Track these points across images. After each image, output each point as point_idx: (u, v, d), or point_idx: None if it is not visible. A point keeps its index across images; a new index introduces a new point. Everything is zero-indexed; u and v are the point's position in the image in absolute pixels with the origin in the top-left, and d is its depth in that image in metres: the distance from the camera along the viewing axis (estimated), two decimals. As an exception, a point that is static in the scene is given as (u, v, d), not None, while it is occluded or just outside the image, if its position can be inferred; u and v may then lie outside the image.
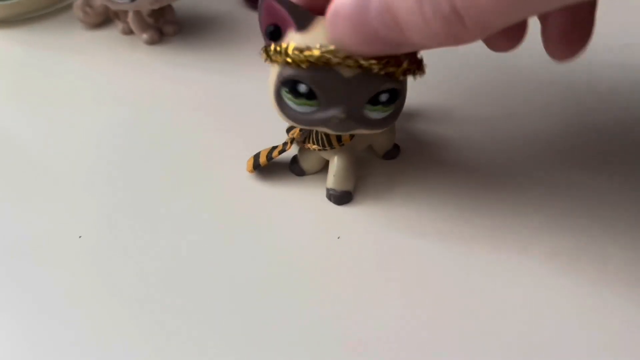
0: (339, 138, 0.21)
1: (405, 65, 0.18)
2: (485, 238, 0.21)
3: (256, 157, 0.22)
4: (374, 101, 0.19)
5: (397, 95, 0.19)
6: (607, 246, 0.20)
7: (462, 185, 0.23)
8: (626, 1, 0.34)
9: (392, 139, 0.23)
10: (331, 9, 0.16)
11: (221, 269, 0.20)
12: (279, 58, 0.18)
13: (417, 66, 0.19)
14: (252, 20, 0.33)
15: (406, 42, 0.15)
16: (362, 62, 0.17)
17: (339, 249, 0.20)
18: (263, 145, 0.23)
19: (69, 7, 0.33)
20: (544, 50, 0.29)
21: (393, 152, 0.24)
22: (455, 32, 0.14)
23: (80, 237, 0.21)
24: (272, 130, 0.25)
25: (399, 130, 0.24)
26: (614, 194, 0.22)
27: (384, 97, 0.19)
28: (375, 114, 0.19)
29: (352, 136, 0.21)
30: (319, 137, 0.21)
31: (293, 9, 0.18)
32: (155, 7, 0.29)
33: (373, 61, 0.17)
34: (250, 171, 0.22)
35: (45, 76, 0.29)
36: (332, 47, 0.17)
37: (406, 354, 0.17)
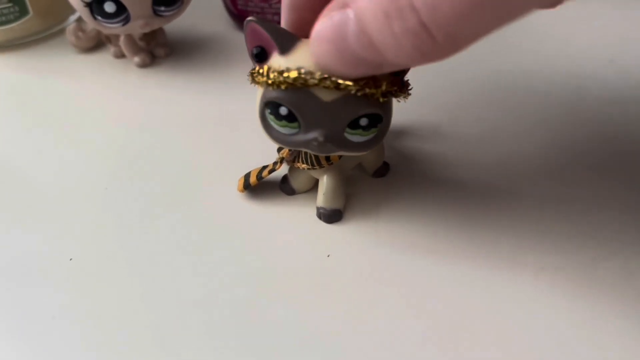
0: (327, 157, 0.21)
1: (384, 87, 0.18)
2: (475, 254, 0.21)
3: (246, 176, 0.23)
4: (353, 125, 0.19)
5: (378, 119, 0.19)
6: (598, 259, 0.20)
7: (452, 202, 0.23)
8: (611, 17, 0.35)
9: (381, 157, 0.23)
10: (313, 33, 0.17)
11: (212, 289, 0.20)
12: (261, 79, 0.19)
13: (398, 89, 0.19)
14: (242, 41, 0.33)
15: (385, 62, 0.16)
16: (340, 82, 0.17)
17: (329, 268, 0.20)
18: (254, 165, 0.23)
19: (61, 32, 0.34)
20: (531, 65, 0.29)
21: (382, 170, 0.24)
22: (426, 48, 0.14)
23: (71, 259, 0.21)
24: (263, 149, 0.25)
25: (388, 147, 0.24)
26: (604, 208, 0.22)
27: (363, 122, 0.19)
28: (355, 137, 0.19)
29: (340, 155, 0.22)
30: (308, 157, 0.21)
31: (276, 33, 0.18)
32: (147, 30, 0.29)
33: (349, 82, 0.17)
34: (241, 191, 0.23)
35: (38, 100, 0.29)
36: (310, 69, 0.18)
37: (397, 371, 0.17)
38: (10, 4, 0.31)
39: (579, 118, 0.27)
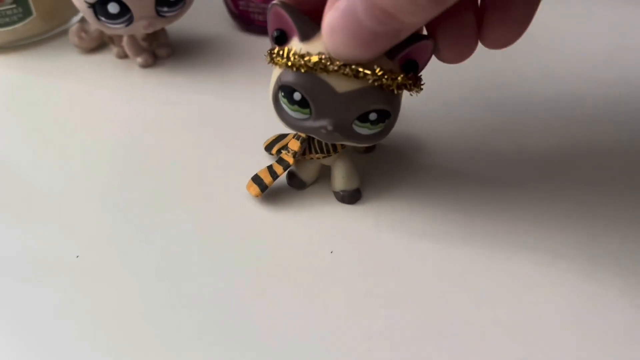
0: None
1: (400, 79, 0.19)
2: (479, 243, 0.21)
3: (257, 179, 0.23)
4: (362, 118, 0.19)
5: (387, 115, 0.19)
6: (599, 250, 0.21)
7: (453, 193, 0.23)
8: (607, 16, 0.35)
9: None
10: (325, 27, 0.17)
11: (214, 286, 0.20)
12: (280, 60, 0.19)
13: (413, 82, 0.19)
14: (244, 41, 0.33)
15: (403, 26, 0.16)
16: (360, 69, 0.18)
17: (333, 263, 0.21)
18: (257, 163, 0.24)
19: (64, 33, 0.34)
20: (528, 63, 0.30)
21: (371, 146, 0.25)
22: None
23: (77, 256, 0.21)
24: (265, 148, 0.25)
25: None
26: (602, 201, 0.23)
27: (372, 116, 0.19)
28: (363, 130, 0.20)
29: None
30: (323, 146, 0.22)
31: (298, 20, 0.18)
32: (149, 31, 0.30)
33: (368, 71, 0.18)
34: (258, 195, 0.23)
35: (42, 100, 0.29)
36: (330, 56, 0.18)
37: (400, 365, 0.18)
38: (13, 5, 0.31)
39: (575, 115, 0.27)
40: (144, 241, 0.22)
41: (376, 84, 0.18)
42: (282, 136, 0.24)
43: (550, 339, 0.18)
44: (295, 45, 0.19)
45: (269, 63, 0.20)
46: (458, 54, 0.20)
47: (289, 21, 0.19)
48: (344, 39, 0.17)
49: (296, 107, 0.19)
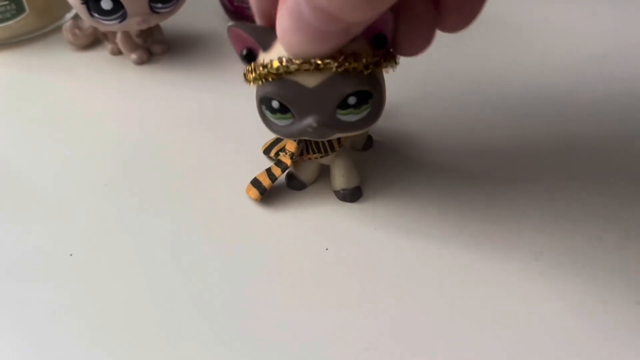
0: (339, 140, 0.22)
1: (364, 59, 0.18)
2: (472, 240, 0.21)
3: (256, 183, 0.23)
4: (343, 105, 0.19)
5: (368, 96, 0.19)
6: (596, 247, 0.21)
7: (447, 190, 0.23)
8: (605, 12, 0.35)
9: (367, 131, 0.25)
10: (278, 30, 0.17)
11: (210, 283, 0.20)
12: (250, 77, 0.19)
13: (382, 59, 0.19)
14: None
15: (348, 25, 0.16)
16: (318, 62, 0.18)
17: (328, 261, 0.21)
18: (253, 160, 0.24)
19: (57, 29, 0.34)
20: (525, 59, 0.30)
21: (369, 143, 0.25)
22: None
23: (71, 254, 0.21)
24: (260, 145, 0.25)
25: (382, 130, 0.25)
26: (600, 197, 0.23)
27: (352, 100, 0.19)
28: (349, 117, 0.19)
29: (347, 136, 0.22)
30: (320, 145, 0.22)
31: (254, 32, 0.19)
32: (144, 27, 0.29)
33: (328, 60, 0.18)
34: (258, 198, 0.22)
35: (36, 98, 0.29)
36: (289, 56, 0.18)
37: (395, 362, 0.18)
38: (7, 2, 0.31)
39: (573, 111, 0.27)
40: (138, 240, 0.22)
41: (340, 69, 0.18)
42: (279, 139, 0.24)
43: (548, 336, 0.18)
44: (261, 57, 0.19)
45: (245, 83, 0.20)
46: (416, 44, 0.20)
47: (248, 37, 0.19)
48: (296, 39, 0.17)
49: (278, 114, 0.19)
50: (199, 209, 0.23)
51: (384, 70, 0.20)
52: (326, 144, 0.22)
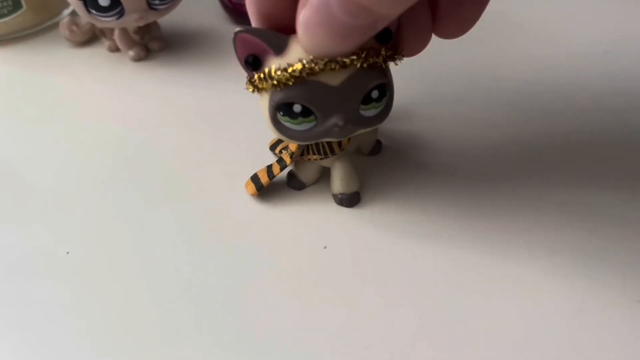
0: (339, 143, 0.22)
1: (384, 52, 0.19)
2: (471, 240, 0.21)
3: (255, 179, 0.22)
4: (366, 100, 0.19)
5: (386, 87, 0.19)
6: (597, 245, 0.21)
7: (446, 189, 0.23)
8: (605, 9, 0.35)
9: (375, 135, 0.24)
10: (299, 24, 0.17)
11: (208, 282, 0.20)
12: (265, 85, 0.19)
13: (394, 51, 0.19)
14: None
15: (378, 18, 0.16)
16: (345, 60, 0.18)
17: (327, 259, 0.21)
18: (251, 157, 0.24)
19: (55, 26, 0.34)
20: (526, 57, 0.29)
21: (377, 148, 0.25)
22: None
23: (67, 252, 0.21)
24: (261, 142, 0.25)
25: (383, 134, 0.25)
26: (600, 194, 0.23)
27: (375, 94, 0.19)
28: (370, 112, 0.19)
29: (349, 138, 0.22)
30: (320, 147, 0.22)
31: (267, 37, 0.18)
32: (141, 24, 0.29)
33: (354, 57, 0.18)
34: (254, 194, 0.22)
35: (33, 94, 0.29)
36: (311, 57, 0.18)
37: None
38: (3, -2, 0.31)
39: (574, 108, 0.27)
40: (136, 237, 0.21)
41: (365, 65, 0.18)
42: None
43: (549, 336, 0.18)
44: (273, 62, 0.18)
45: (253, 92, 0.19)
46: (413, 46, 0.20)
47: (258, 43, 0.18)
48: (320, 35, 0.17)
49: (300, 119, 0.19)
50: (197, 206, 0.23)
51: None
52: (326, 146, 0.22)
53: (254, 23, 0.19)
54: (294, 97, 0.18)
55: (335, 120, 0.19)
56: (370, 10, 0.15)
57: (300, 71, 0.18)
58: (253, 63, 0.19)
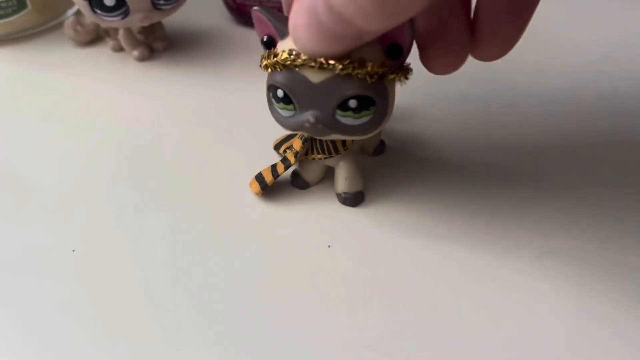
0: (343, 142, 0.22)
1: (369, 67, 0.18)
2: (475, 239, 0.21)
3: (259, 178, 0.23)
4: (343, 107, 0.19)
5: (370, 102, 0.19)
6: (598, 246, 0.21)
7: (449, 188, 0.23)
8: (606, 11, 0.35)
9: (379, 136, 0.24)
10: (290, 24, 0.17)
11: (212, 281, 0.20)
12: (262, 63, 0.20)
13: (392, 71, 0.19)
14: (241, 35, 0.33)
15: (361, 32, 0.16)
16: (322, 61, 0.18)
17: (330, 258, 0.21)
18: (255, 157, 0.24)
19: (59, 25, 0.34)
20: (527, 58, 0.30)
21: (380, 148, 0.25)
22: (387, 10, 0.15)
23: (73, 250, 0.21)
24: (265, 142, 0.25)
25: (386, 133, 0.25)
26: (601, 196, 0.23)
27: (352, 104, 0.19)
28: (347, 120, 0.19)
29: (353, 140, 0.22)
30: (324, 146, 0.22)
31: (274, 20, 0.19)
32: (146, 24, 0.29)
33: (332, 61, 0.18)
34: (259, 193, 0.23)
35: (37, 94, 0.29)
36: (298, 50, 0.18)
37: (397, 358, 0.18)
38: (8, -2, 0.31)
39: (575, 110, 0.27)
40: (141, 236, 0.22)
41: (343, 73, 0.18)
42: (291, 136, 0.24)
43: (551, 336, 0.18)
44: (278, 46, 0.20)
45: (261, 68, 0.20)
46: (447, 64, 0.20)
47: (268, 25, 0.20)
48: (306, 36, 0.17)
49: (282, 104, 0.20)
50: (201, 205, 0.23)
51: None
52: (330, 145, 0.22)
53: (285, 8, 0.20)
54: (278, 83, 0.19)
55: (308, 115, 0.19)
56: (350, 23, 0.16)
57: (284, 59, 0.19)
58: (268, 43, 0.20)
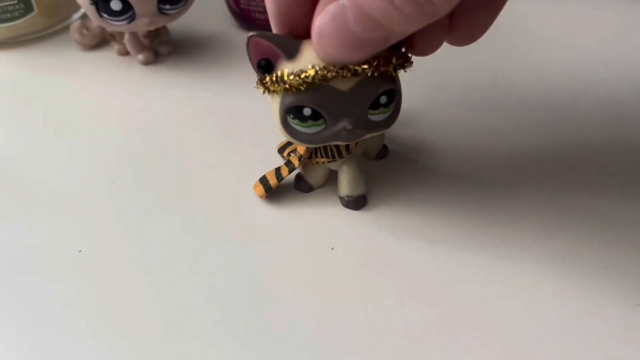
0: (347, 147, 0.22)
1: (394, 61, 0.19)
2: (476, 243, 0.21)
3: (264, 181, 0.23)
4: (374, 105, 0.19)
5: (394, 94, 0.20)
6: (597, 250, 0.21)
7: (451, 192, 0.23)
8: (607, 18, 0.35)
9: (382, 140, 0.25)
10: (314, 32, 0.18)
11: (216, 282, 0.20)
12: (277, 87, 0.19)
13: (404, 59, 0.20)
14: (245, 39, 0.34)
15: (392, 35, 0.16)
16: (357, 68, 0.18)
17: (334, 260, 0.21)
18: (259, 161, 0.24)
19: (65, 29, 0.34)
20: (528, 65, 0.30)
21: (383, 153, 0.25)
22: (427, 10, 0.15)
23: (80, 251, 0.21)
24: (269, 145, 0.25)
25: (388, 138, 0.25)
26: (601, 201, 0.23)
27: (383, 100, 0.20)
28: (378, 116, 0.20)
29: (357, 142, 0.22)
30: (328, 150, 0.22)
31: (280, 42, 0.19)
32: (151, 28, 0.30)
33: (365, 66, 0.18)
34: (263, 196, 0.23)
35: (43, 97, 0.29)
36: (324, 64, 0.18)
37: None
38: (15, 1, 0.31)
39: (575, 117, 0.28)
40: (147, 237, 0.22)
41: (376, 74, 0.19)
42: None
43: (550, 339, 0.19)
44: (285, 66, 0.19)
45: (263, 93, 0.20)
46: (428, 47, 0.20)
47: (271, 47, 0.19)
48: (333, 44, 0.17)
49: (310, 122, 0.19)
50: (206, 207, 0.23)
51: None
52: (334, 149, 0.22)
53: (271, 22, 0.19)
54: (305, 101, 0.19)
55: (343, 124, 0.19)
56: (384, 26, 0.16)
57: (313, 77, 0.18)
58: (265, 67, 0.19)
